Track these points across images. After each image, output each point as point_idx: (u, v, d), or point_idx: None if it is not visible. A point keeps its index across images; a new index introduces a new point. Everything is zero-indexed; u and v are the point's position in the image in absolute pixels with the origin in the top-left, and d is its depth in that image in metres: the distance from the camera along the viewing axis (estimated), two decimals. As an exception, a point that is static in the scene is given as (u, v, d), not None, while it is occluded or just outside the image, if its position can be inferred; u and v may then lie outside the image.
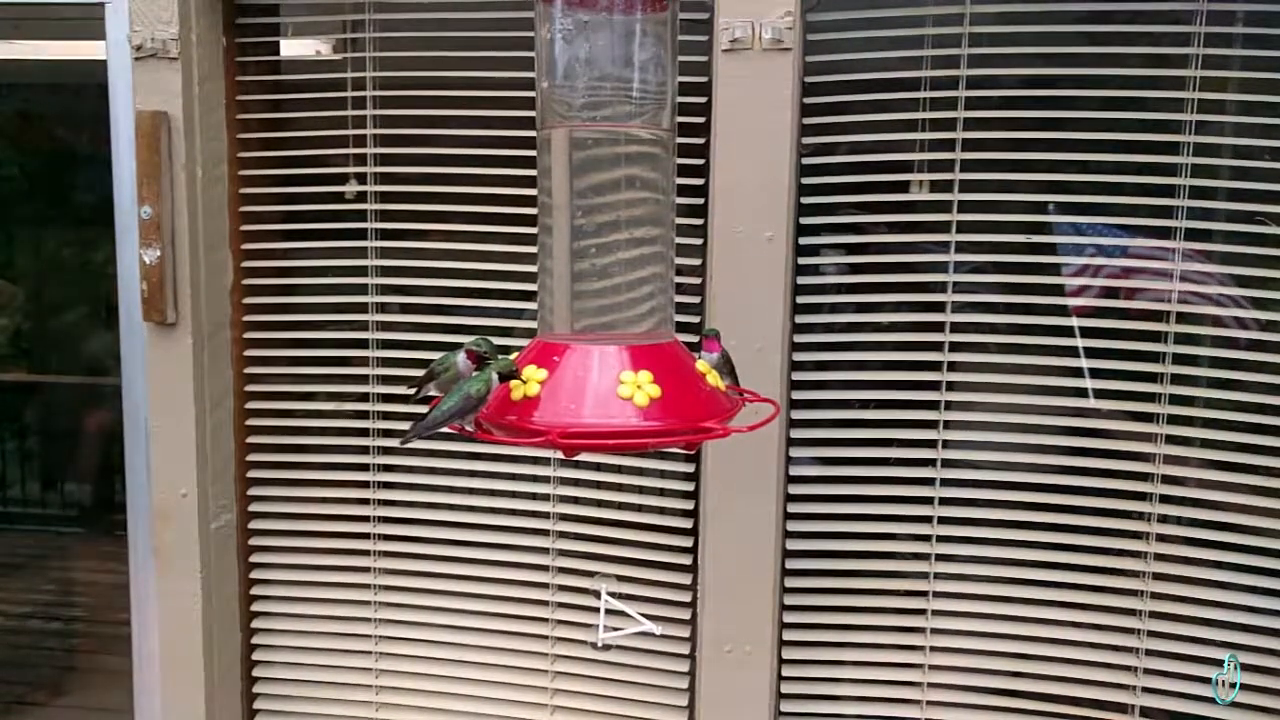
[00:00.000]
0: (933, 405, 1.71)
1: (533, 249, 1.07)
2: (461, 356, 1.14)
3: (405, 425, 1.89)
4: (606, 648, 1.77)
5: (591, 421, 0.94)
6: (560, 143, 1.02)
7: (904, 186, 1.70)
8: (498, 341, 1.13)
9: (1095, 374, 1.67)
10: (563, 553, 1.86)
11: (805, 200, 1.71)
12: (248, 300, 1.93)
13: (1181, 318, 1.63)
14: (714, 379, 1.04)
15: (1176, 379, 1.64)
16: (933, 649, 1.76)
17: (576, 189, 1.01)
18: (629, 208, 1.02)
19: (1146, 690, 1.69)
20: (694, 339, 1.34)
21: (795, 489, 1.76)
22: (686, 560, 1.79)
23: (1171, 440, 1.65)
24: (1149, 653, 1.69)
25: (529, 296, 1.80)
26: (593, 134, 1.01)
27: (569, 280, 1.01)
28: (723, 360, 1.28)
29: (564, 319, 1.02)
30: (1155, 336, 1.64)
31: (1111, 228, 1.68)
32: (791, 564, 1.77)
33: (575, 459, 1.82)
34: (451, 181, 1.82)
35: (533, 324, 1.09)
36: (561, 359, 0.97)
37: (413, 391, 1.31)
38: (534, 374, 0.95)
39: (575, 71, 0.99)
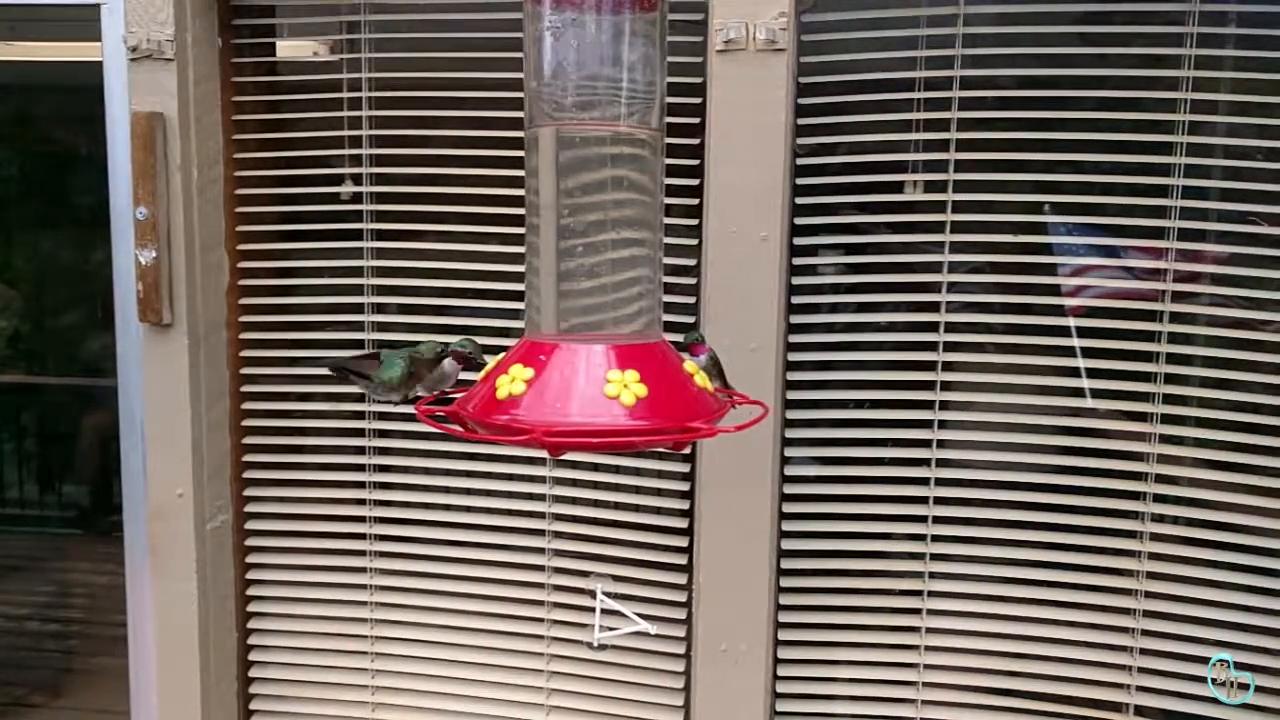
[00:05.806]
0: (928, 405, 1.71)
1: (528, 249, 1.07)
2: (449, 360, 1.14)
3: (401, 426, 1.90)
4: (602, 647, 1.77)
5: (578, 420, 0.93)
6: (548, 142, 1.02)
7: (899, 187, 1.70)
8: (494, 342, 1.13)
9: (1091, 374, 1.67)
10: (558, 553, 1.86)
11: (800, 200, 1.71)
12: (244, 301, 1.93)
13: (1176, 317, 1.63)
14: (702, 379, 1.04)
15: (1170, 379, 1.64)
16: (928, 648, 1.76)
17: (564, 188, 1.01)
18: (616, 208, 1.02)
19: (1141, 689, 1.69)
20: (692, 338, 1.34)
21: (791, 488, 1.76)
22: (682, 560, 1.79)
23: (1166, 440, 1.65)
24: (1144, 652, 1.68)
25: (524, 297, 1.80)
26: (580, 133, 1.01)
27: (555, 280, 1.01)
28: (710, 363, 1.28)
29: (551, 319, 1.02)
30: (1150, 336, 1.64)
31: (1099, 229, 1.68)
32: (787, 563, 1.77)
33: (570, 459, 1.83)
34: (447, 182, 1.82)
35: (527, 324, 1.09)
36: (548, 358, 0.97)
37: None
38: (520, 373, 0.95)
39: (563, 70, 0.98)
